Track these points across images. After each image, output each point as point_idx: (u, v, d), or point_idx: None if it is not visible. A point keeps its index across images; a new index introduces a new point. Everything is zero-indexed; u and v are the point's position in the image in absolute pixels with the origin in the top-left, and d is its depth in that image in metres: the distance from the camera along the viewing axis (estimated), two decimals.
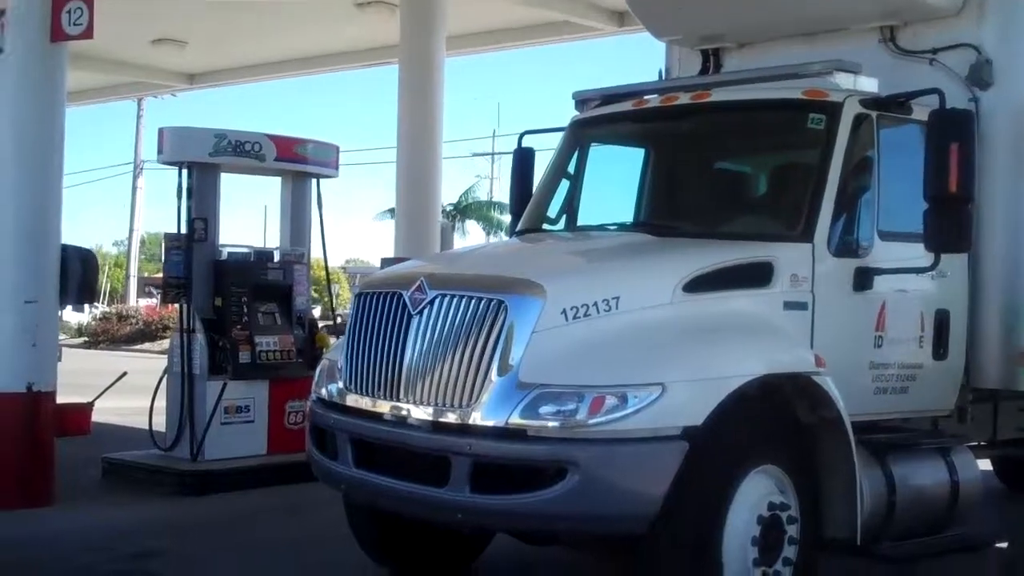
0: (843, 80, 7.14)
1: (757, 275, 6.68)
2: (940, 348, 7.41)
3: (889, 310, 7.13)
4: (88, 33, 10.06)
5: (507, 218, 9.26)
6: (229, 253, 11.62)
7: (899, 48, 8.03)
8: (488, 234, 47.38)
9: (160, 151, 11.59)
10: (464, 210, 49.20)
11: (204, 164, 11.31)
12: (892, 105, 7.17)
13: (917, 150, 6.79)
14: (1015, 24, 7.75)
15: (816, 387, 6.49)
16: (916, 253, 6.88)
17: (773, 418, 6.54)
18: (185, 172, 11.32)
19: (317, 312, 19.25)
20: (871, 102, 7.11)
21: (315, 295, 24.60)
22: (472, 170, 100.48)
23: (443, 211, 40.73)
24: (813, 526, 6.54)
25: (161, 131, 11.62)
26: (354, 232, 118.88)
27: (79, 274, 10.65)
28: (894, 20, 8.01)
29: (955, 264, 7.36)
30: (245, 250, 11.89)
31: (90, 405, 12.18)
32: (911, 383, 7.28)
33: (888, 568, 7.41)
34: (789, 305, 6.73)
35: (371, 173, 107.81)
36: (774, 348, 6.57)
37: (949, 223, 6.68)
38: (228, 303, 11.19)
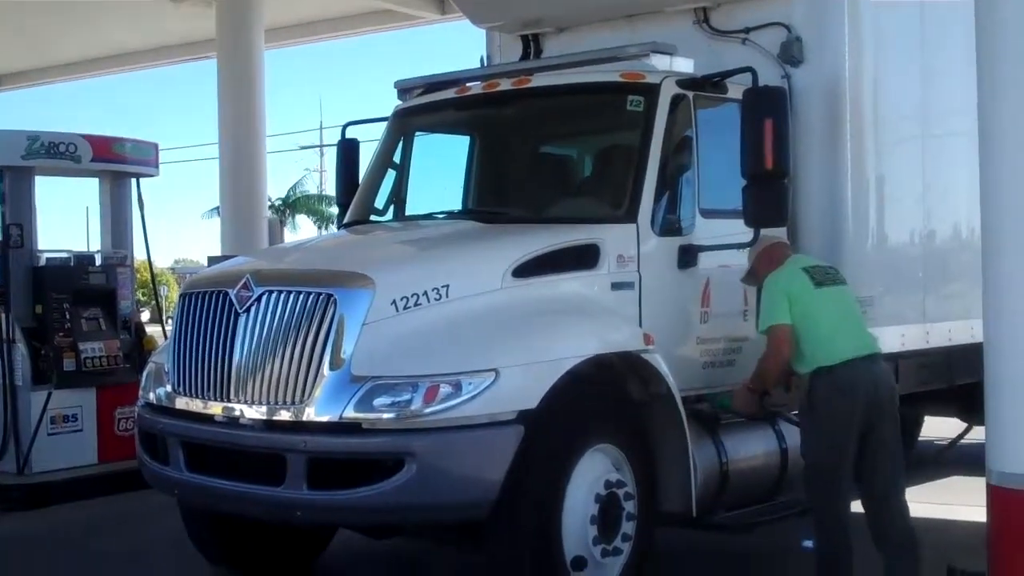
0: (659, 62, 7.24)
1: (584, 257, 6.74)
2: None
3: (713, 286, 7.26)
4: None
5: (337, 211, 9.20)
6: (48, 258, 11.23)
7: (713, 28, 8.14)
8: (319, 228, 46.95)
9: None
10: (293, 204, 48.67)
11: (16, 168, 10.89)
12: (707, 85, 7.29)
13: (734, 128, 6.90)
14: (822, 2, 7.95)
15: (646, 364, 6.59)
16: (737, 229, 6.99)
17: (606, 397, 6.61)
18: None
19: (146, 316, 18.79)
20: (687, 82, 7.22)
21: (143, 298, 24.08)
22: (301, 163, 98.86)
23: (271, 206, 40.27)
24: (650, 501, 6.64)
25: None
26: (182, 232, 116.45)
27: None
28: (707, 1, 8.13)
29: None
30: (64, 255, 11.51)
31: None
32: (738, 355, 7.40)
33: (723, 537, 7.57)
34: (616, 285, 6.81)
35: (198, 172, 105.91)
36: (604, 328, 6.64)
37: (766, 198, 6.83)
38: (49, 310, 10.79)
